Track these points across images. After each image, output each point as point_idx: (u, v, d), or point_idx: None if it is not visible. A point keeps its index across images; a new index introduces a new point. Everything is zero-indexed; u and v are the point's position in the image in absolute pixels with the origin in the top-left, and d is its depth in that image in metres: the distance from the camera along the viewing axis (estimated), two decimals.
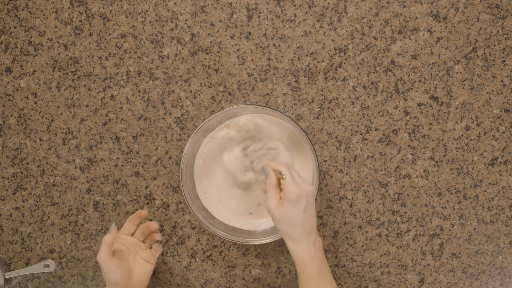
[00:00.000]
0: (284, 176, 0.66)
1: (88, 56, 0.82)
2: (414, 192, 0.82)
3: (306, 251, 0.67)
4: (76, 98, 0.83)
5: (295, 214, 0.65)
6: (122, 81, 0.82)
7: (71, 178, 0.84)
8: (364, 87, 0.80)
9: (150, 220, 0.84)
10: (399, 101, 0.80)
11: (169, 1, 0.80)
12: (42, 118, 0.83)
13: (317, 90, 0.81)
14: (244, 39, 0.80)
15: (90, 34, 0.82)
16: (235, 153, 0.79)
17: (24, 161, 0.84)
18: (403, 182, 0.82)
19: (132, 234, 0.77)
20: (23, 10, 0.82)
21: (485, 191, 0.82)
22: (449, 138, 0.81)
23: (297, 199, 0.65)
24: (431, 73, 0.80)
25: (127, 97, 0.82)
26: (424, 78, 0.80)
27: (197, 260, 0.85)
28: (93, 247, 0.85)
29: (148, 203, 0.84)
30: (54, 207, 0.85)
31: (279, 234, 0.75)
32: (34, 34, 0.82)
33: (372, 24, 0.79)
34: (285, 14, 0.79)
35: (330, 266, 0.84)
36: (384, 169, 0.82)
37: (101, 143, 0.83)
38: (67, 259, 0.86)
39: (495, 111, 0.80)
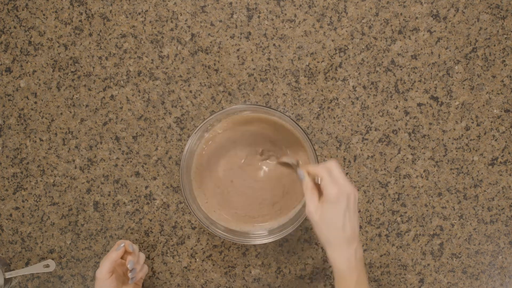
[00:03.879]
0: (318, 181, 0.62)
1: (88, 56, 0.82)
2: (414, 192, 0.82)
3: (345, 261, 0.62)
4: (76, 98, 0.83)
5: (336, 215, 0.61)
6: (122, 81, 0.82)
7: (71, 178, 0.84)
8: (364, 87, 0.80)
9: (150, 220, 0.84)
10: (399, 101, 0.80)
11: (169, 1, 0.80)
12: (42, 118, 0.84)
13: (317, 90, 0.81)
14: (244, 39, 0.80)
15: (90, 34, 0.82)
16: (236, 154, 0.79)
17: (24, 161, 0.84)
18: (403, 182, 0.82)
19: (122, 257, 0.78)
20: (23, 10, 0.82)
21: (485, 191, 0.82)
22: (449, 138, 0.81)
23: (337, 199, 0.61)
24: (431, 73, 0.80)
25: (127, 97, 0.82)
26: (424, 78, 0.80)
27: (197, 260, 0.85)
28: (93, 247, 0.85)
29: (148, 203, 0.84)
30: (54, 207, 0.85)
31: (279, 234, 0.75)
32: (34, 34, 0.82)
33: (372, 24, 0.79)
34: (285, 14, 0.79)
35: (330, 266, 0.84)
36: (384, 169, 0.82)
37: (101, 143, 0.83)
38: (67, 259, 0.86)
39: (495, 111, 0.80)
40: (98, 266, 0.73)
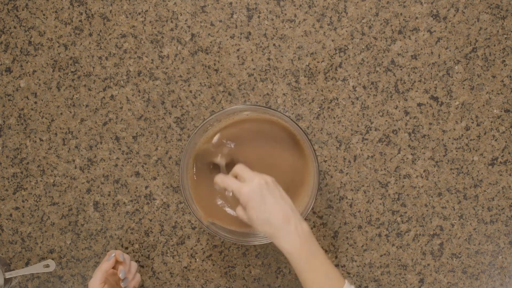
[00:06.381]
0: (227, 193, 0.70)
1: (88, 56, 0.82)
2: (414, 192, 0.82)
3: (289, 242, 0.65)
4: (76, 98, 0.83)
5: (256, 213, 0.65)
6: (122, 81, 0.82)
7: (71, 178, 0.84)
8: (364, 87, 0.81)
9: (150, 220, 0.84)
10: (399, 101, 0.80)
11: (169, 1, 0.80)
12: (42, 118, 0.84)
13: (317, 90, 0.81)
14: (244, 39, 0.80)
15: (90, 34, 0.82)
16: (236, 154, 0.78)
17: (24, 161, 0.84)
18: (403, 182, 0.82)
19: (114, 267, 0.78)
20: (23, 10, 0.82)
21: (485, 191, 0.82)
22: (449, 138, 0.81)
23: (246, 204, 0.66)
24: (431, 73, 0.80)
25: (127, 97, 0.82)
26: (424, 78, 0.80)
27: (197, 260, 0.85)
28: (93, 247, 0.85)
29: (148, 203, 0.84)
30: (54, 207, 0.85)
31: None
32: (34, 34, 0.82)
33: (372, 24, 0.79)
34: (285, 14, 0.80)
35: None
36: (384, 169, 0.82)
37: (101, 143, 0.83)
38: (67, 259, 0.86)
39: (495, 111, 0.80)
40: (94, 272, 0.74)
